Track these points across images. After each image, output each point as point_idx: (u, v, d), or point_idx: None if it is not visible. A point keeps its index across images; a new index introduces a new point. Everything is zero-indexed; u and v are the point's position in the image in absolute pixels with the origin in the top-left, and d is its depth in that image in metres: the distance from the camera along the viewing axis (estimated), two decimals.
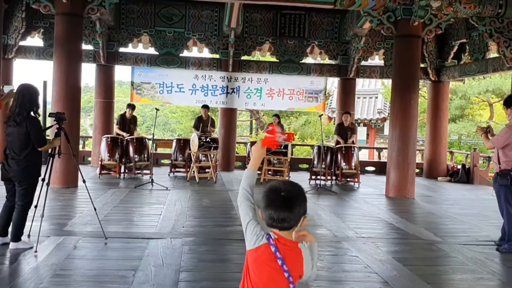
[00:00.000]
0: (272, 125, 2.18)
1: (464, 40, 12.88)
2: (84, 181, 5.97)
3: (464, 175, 13.42)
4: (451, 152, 15.48)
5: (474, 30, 11.84)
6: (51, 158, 5.39)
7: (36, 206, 5.26)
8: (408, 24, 9.97)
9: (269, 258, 2.07)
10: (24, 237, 5.26)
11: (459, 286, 4.78)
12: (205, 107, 12.24)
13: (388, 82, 18.47)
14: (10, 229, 5.18)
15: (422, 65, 13.78)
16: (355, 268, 5.04)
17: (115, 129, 11.90)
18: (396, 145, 10.15)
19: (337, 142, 12.23)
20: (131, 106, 11.97)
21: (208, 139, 11.11)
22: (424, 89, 19.40)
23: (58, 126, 5.41)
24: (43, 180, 5.28)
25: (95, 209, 5.96)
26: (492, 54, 11.87)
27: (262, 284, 2.08)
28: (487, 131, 6.24)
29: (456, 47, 13.43)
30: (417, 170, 13.97)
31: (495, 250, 5.96)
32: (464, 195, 11.21)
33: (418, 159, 15.62)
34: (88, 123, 38.81)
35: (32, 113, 5.04)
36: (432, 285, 4.60)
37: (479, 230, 7.15)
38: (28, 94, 5.05)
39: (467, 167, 13.66)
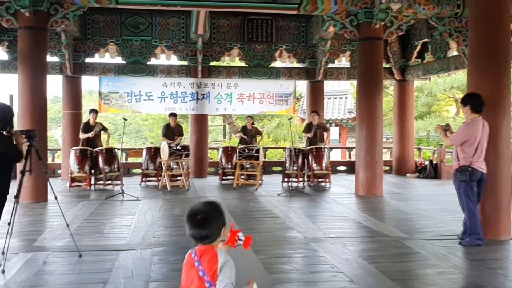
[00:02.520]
0: (233, 232, 2.57)
1: (426, 40, 13.21)
2: (55, 198, 5.96)
3: (431, 171, 13.76)
4: (419, 149, 15.83)
5: (435, 30, 12.14)
6: (22, 175, 5.38)
7: (9, 223, 5.19)
8: (370, 27, 10.18)
9: (190, 262, 2.49)
10: None
11: (422, 281, 4.94)
12: (173, 115, 12.26)
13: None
14: None
15: (387, 65, 14.12)
16: (322, 269, 5.17)
17: (80, 135, 11.64)
18: (363, 145, 10.37)
19: (308, 141, 12.40)
20: (94, 111, 11.81)
21: (178, 147, 11.15)
22: (391, 88, 19.77)
23: (28, 143, 5.38)
24: (15, 197, 5.26)
25: (67, 225, 5.93)
26: (455, 52, 12.18)
27: (185, 284, 2.50)
28: (445, 129, 6.46)
29: (419, 47, 13.77)
30: (387, 168, 14.34)
31: (458, 244, 6.17)
32: (431, 190, 11.50)
33: (387, 156, 15.95)
34: (58, 133, 38.39)
35: (4, 133, 5.03)
36: (396, 281, 4.75)
37: (443, 225, 7.36)
38: (2, 113, 5.05)
39: (434, 162, 14.00)
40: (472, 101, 6.10)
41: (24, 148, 5.32)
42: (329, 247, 5.99)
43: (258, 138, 12.95)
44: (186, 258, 2.55)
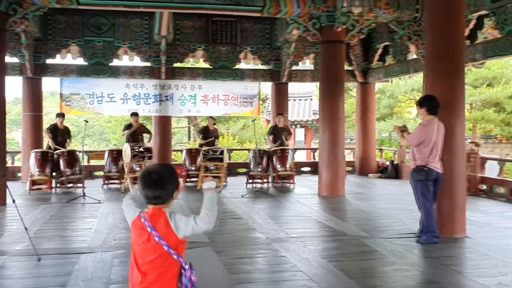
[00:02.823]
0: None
1: (388, 43, 13.49)
2: (13, 201, 5.86)
3: (392, 171, 14.06)
4: (381, 149, 16.15)
5: (395, 33, 12.30)
6: None
7: None
8: (332, 30, 10.33)
9: (140, 227, 2.49)
10: None
11: (380, 279, 5.08)
12: (134, 114, 12.02)
13: None
14: None
15: (349, 68, 14.35)
16: (283, 268, 5.25)
17: (48, 138, 11.51)
18: (326, 146, 10.53)
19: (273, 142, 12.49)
20: (61, 115, 11.70)
21: (141, 149, 11.06)
22: (354, 90, 20.10)
23: None
24: None
25: (25, 228, 5.84)
26: (414, 55, 12.47)
27: (141, 251, 2.49)
28: (403, 130, 6.64)
29: (380, 50, 14.03)
30: (350, 168, 14.57)
31: (415, 242, 6.35)
32: (391, 190, 11.75)
33: (351, 157, 16.21)
34: (19, 136, 37.52)
35: None
36: (355, 279, 4.86)
37: (402, 224, 7.55)
38: None
39: (395, 163, 14.31)
40: (428, 103, 6.28)
41: None
42: (290, 247, 6.07)
43: (216, 142, 12.84)
44: (134, 220, 2.54)
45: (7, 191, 6.03)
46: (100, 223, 7.59)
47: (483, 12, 9.35)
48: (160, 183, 2.46)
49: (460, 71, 6.83)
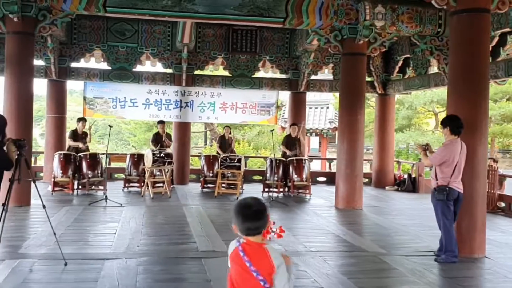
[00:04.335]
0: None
1: (408, 55, 13.51)
2: (44, 206, 6.03)
3: (410, 184, 14.06)
4: (398, 162, 16.14)
5: (417, 46, 12.36)
6: (11, 184, 5.45)
7: None
8: (354, 43, 10.37)
9: (238, 259, 2.59)
10: None
11: None
12: (161, 122, 12.51)
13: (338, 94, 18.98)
14: None
15: (369, 79, 14.38)
16: (303, 283, 5.33)
17: (68, 141, 11.79)
18: (344, 159, 10.57)
19: (284, 153, 12.60)
20: (83, 120, 11.92)
21: (162, 154, 11.24)
22: (372, 99, 20.12)
23: (18, 153, 5.44)
24: (3, 205, 5.34)
25: (54, 233, 5.97)
26: (436, 69, 12.47)
27: (238, 283, 2.61)
28: (425, 148, 6.69)
29: (400, 62, 14.07)
30: (366, 180, 14.56)
31: (433, 261, 6.39)
32: (409, 204, 11.77)
33: (367, 168, 16.22)
34: (37, 133, 38.14)
35: None
36: None
37: (420, 241, 7.59)
38: None
39: (413, 176, 14.30)
40: (451, 123, 6.34)
41: (14, 156, 5.38)
42: (310, 261, 6.15)
43: (231, 150, 13.06)
44: (232, 251, 2.65)
45: (37, 193, 6.19)
46: (123, 228, 7.74)
47: (507, 29, 9.38)
48: (260, 214, 2.60)
49: (484, 91, 6.86)
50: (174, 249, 6.70)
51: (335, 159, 17.31)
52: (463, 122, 6.33)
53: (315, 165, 20.46)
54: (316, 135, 25.23)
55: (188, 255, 6.30)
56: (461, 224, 6.61)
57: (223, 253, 6.28)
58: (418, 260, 6.42)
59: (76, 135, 11.70)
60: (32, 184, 6.76)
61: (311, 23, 10.25)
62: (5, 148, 5.25)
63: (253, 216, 2.58)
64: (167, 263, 5.92)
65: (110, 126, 10.67)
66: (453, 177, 6.27)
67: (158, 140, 12.26)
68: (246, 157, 16.32)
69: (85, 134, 11.93)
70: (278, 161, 12.12)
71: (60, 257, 5.69)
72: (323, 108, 25.23)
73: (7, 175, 5.43)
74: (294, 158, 12.11)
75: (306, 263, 6.07)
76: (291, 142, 12.56)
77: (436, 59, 10.76)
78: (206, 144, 26.65)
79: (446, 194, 6.26)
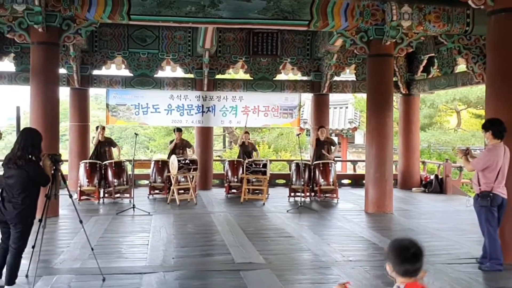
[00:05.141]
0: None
1: (433, 54, 13.27)
2: (81, 221, 5.98)
3: (437, 186, 13.81)
4: (423, 162, 15.88)
5: (442, 45, 12.16)
6: (48, 200, 5.39)
7: (33, 247, 5.24)
8: (380, 44, 10.20)
9: None
10: (22, 278, 5.23)
11: None
12: (179, 130, 12.40)
13: (359, 94, 18.78)
14: (4, 271, 5.14)
15: (393, 79, 14.14)
16: None
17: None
18: (373, 163, 10.38)
19: (315, 156, 12.41)
20: (101, 128, 11.80)
21: (187, 161, 11.16)
22: (396, 100, 19.85)
23: (54, 167, 5.38)
24: (40, 221, 5.28)
25: (92, 248, 5.90)
26: (462, 67, 12.21)
27: None
28: (466, 153, 6.49)
29: (425, 61, 13.82)
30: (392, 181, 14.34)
31: (477, 269, 6.19)
32: (439, 207, 11.54)
33: (393, 170, 15.96)
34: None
35: (33, 158, 5.03)
36: None
37: (459, 247, 7.39)
38: (31, 138, 5.06)
39: (440, 177, 14.05)
40: (493, 127, 6.14)
41: (50, 171, 5.32)
42: (351, 272, 5.99)
43: (255, 154, 12.97)
44: None
45: (75, 209, 6.15)
46: (155, 238, 7.65)
47: None
48: (419, 256, 2.60)
49: None
50: (209, 261, 6.58)
51: (359, 160, 17.27)
52: (505, 126, 6.12)
53: (337, 167, 20.25)
54: (336, 135, 25.02)
55: (225, 267, 6.18)
56: (505, 231, 6.40)
57: (260, 265, 6.19)
58: (461, 268, 6.23)
59: (98, 143, 11.68)
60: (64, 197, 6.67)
61: (337, 25, 10.09)
62: (41, 163, 5.18)
63: (411, 258, 2.58)
64: (205, 277, 5.80)
65: (136, 134, 10.64)
66: (496, 182, 6.07)
67: (173, 150, 12.10)
68: (270, 161, 16.15)
69: (107, 141, 11.87)
70: (304, 165, 11.95)
71: (97, 271, 5.61)
72: (342, 108, 25.01)
73: (43, 190, 5.37)
74: (320, 161, 11.93)
75: (348, 274, 5.90)
76: (320, 145, 12.38)
77: (464, 58, 10.50)
78: (225, 147, 26.54)
79: (489, 200, 6.07)
